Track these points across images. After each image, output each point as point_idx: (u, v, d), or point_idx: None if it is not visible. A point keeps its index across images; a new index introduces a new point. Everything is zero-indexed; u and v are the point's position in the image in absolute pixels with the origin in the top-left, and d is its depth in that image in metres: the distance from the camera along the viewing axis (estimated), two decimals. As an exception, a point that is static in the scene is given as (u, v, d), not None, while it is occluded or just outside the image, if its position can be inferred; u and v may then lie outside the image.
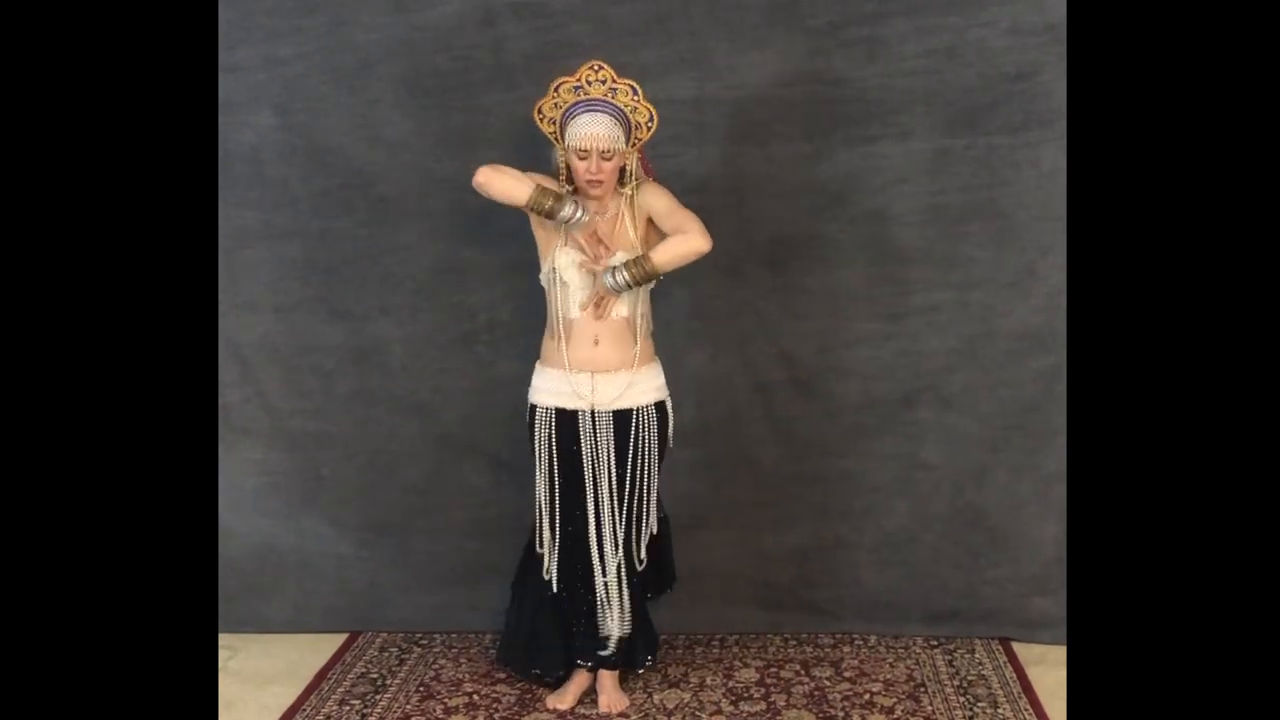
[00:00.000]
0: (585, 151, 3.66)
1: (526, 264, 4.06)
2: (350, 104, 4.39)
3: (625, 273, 3.69)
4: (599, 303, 3.76)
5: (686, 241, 3.70)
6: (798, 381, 4.48)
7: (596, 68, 3.69)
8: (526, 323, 4.26)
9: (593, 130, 3.66)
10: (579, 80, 3.70)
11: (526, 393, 4.00)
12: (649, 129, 3.77)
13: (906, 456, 4.50)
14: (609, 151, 3.67)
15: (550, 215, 3.68)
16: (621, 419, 3.85)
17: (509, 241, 4.28)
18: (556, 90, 3.71)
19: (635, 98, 3.71)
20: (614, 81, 3.70)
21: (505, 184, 3.68)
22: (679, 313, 4.20)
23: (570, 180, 3.77)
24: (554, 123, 3.75)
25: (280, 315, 4.55)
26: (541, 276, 3.84)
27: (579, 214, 3.68)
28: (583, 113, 3.68)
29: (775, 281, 4.36)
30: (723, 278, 4.23)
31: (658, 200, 3.77)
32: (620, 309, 3.79)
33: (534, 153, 4.07)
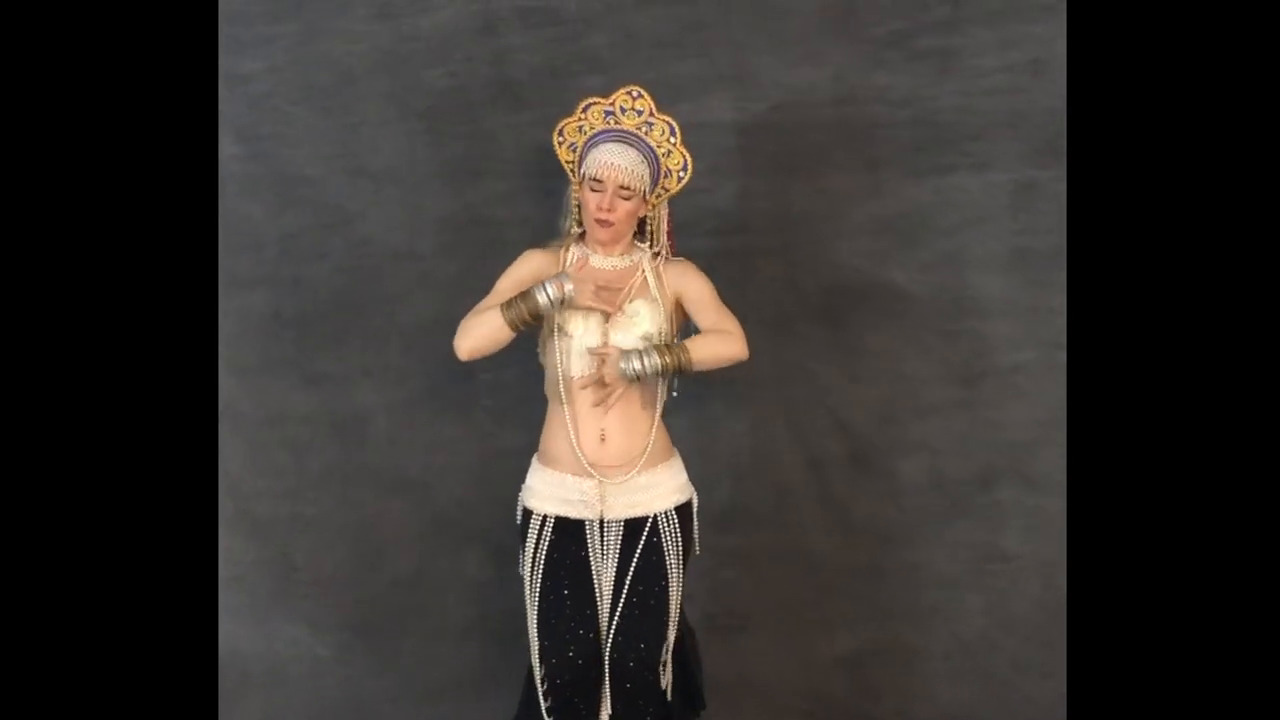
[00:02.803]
0: (600, 183, 3.48)
1: (536, 316, 3.99)
2: (326, 128, 4.31)
3: (655, 359, 3.43)
4: (601, 387, 3.50)
5: (730, 344, 3.54)
6: (856, 457, 4.30)
7: (635, 94, 3.55)
8: (536, 388, 3.99)
9: (614, 160, 3.48)
10: (612, 104, 3.55)
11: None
12: (680, 180, 3.62)
13: (983, 545, 4.33)
14: (629, 190, 3.49)
15: (535, 314, 3.46)
16: (634, 525, 3.61)
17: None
18: (585, 111, 3.56)
19: (672, 139, 3.55)
20: (652, 115, 3.54)
21: (480, 331, 3.48)
22: (714, 375, 4.01)
23: (581, 221, 3.63)
24: (574, 149, 3.59)
25: (244, 378, 4.39)
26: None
27: (563, 288, 3.44)
28: (608, 141, 3.52)
29: (829, 339, 4.21)
30: (767, 333, 4.05)
31: (696, 282, 3.60)
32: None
33: (543, 184, 4.05)
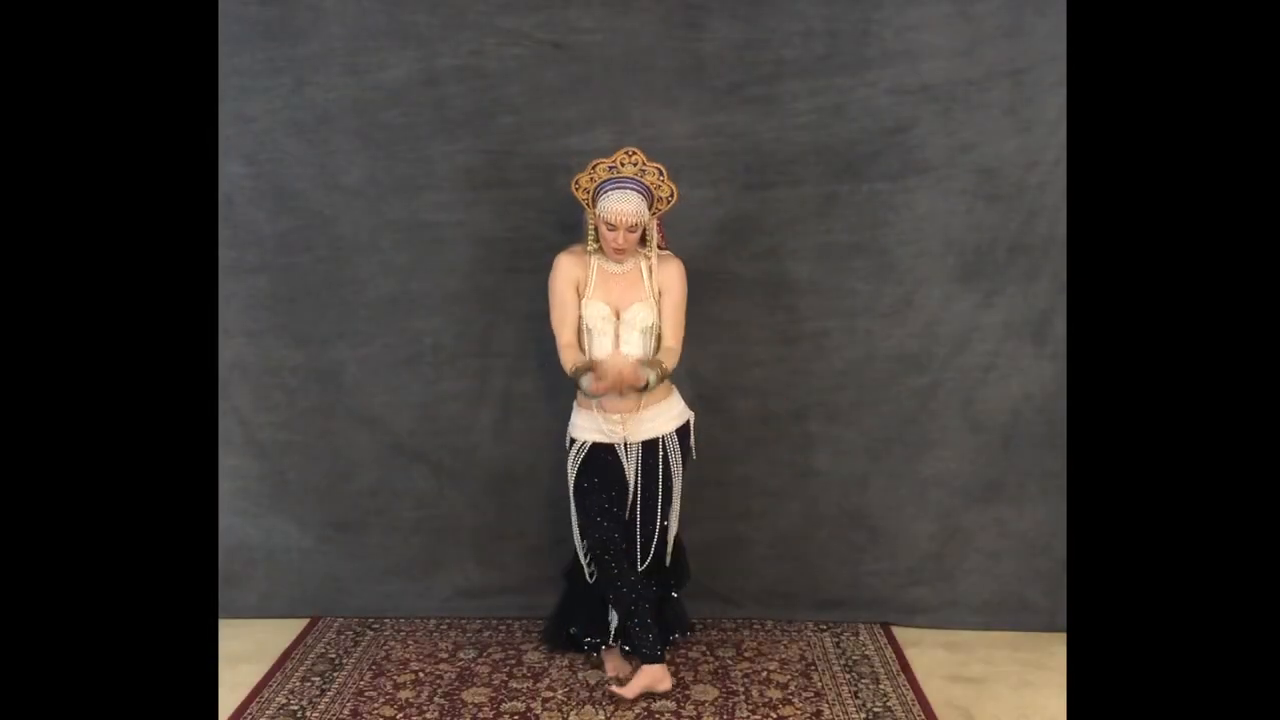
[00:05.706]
0: (614, 225, 3.94)
1: (467, 294, 4.46)
2: (311, 154, 4.57)
3: (653, 372, 3.99)
4: (620, 384, 3.99)
5: (674, 356, 4.08)
6: (704, 398, 4.61)
7: (630, 152, 3.92)
8: (471, 344, 4.60)
9: (623, 208, 3.93)
10: (614, 162, 3.93)
11: (468, 407, 4.50)
12: (669, 203, 4.02)
13: (799, 464, 4.74)
14: (635, 226, 3.95)
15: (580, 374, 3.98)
16: (649, 444, 4.12)
17: (451, 275, 4.60)
18: (593, 169, 3.94)
19: (661, 178, 3.96)
20: (645, 164, 3.94)
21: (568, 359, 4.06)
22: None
23: (598, 239, 4.05)
24: (587, 192, 3.98)
25: (251, 339, 4.70)
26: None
27: (588, 385, 3.96)
28: (614, 189, 3.94)
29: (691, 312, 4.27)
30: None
31: (675, 286, 4.09)
32: (635, 352, 4.07)
33: (470, 196, 4.41)
